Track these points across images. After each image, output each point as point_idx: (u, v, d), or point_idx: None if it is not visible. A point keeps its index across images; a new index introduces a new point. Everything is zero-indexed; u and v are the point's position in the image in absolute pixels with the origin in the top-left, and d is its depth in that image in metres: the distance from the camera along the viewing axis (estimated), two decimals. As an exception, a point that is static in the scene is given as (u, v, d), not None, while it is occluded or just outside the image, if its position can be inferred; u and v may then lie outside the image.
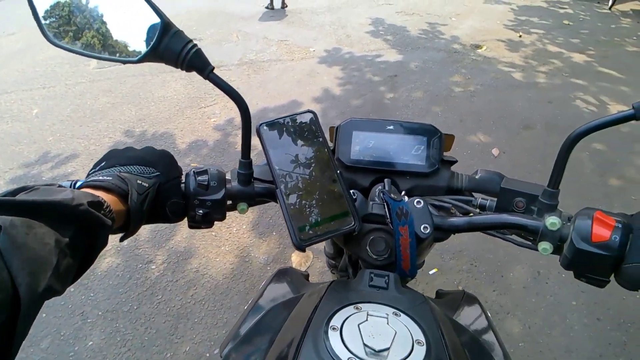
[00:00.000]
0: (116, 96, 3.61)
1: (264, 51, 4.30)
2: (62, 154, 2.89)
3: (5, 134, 3.20)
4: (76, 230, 0.38)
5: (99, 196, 0.42)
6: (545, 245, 0.49)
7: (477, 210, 0.58)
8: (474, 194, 0.65)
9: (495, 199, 0.58)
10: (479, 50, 4.30)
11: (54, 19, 0.50)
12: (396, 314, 0.46)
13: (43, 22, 0.49)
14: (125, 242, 0.54)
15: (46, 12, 0.49)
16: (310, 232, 0.50)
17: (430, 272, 1.95)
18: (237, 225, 2.22)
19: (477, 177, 0.65)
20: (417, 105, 3.26)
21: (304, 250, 0.52)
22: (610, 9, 5.92)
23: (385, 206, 0.54)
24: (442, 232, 0.55)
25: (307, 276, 0.83)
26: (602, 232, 0.45)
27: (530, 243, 0.53)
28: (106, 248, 2.16)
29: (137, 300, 1.87)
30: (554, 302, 1.82)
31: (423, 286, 1.90)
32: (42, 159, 2.85)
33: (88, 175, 0.50)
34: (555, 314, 1.77)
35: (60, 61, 4.48)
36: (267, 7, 5.93)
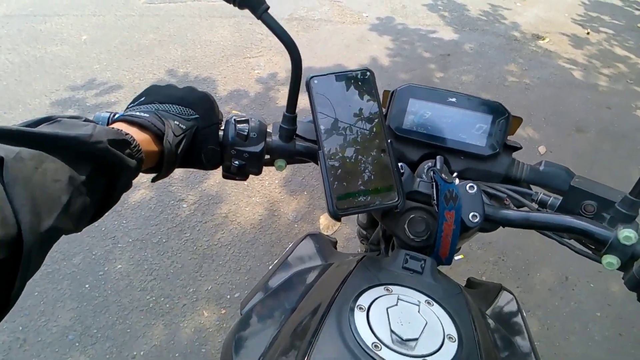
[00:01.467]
0: (163, 34, 3.59)
1: (316, 9, 4.16)
2: (106, 82, 2.93)
3: (55, 55, 3.25)
4: (94, 168, 0.35)
5: (126, 134, 0.39)
6: (611, 259, 0.44)
7: (536, 205, 0.53)
8: (532, 187, 0.60)
9: (559, 197, 0.52)
10: (541, 42, 4.05)
11: None
12: (429, 303, 0.43)
13: None
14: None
15: None
16: (349, 201, 0.46)
17: (456, 258, 1.92)
18: (269, 179, 2.23)
19: (540, 168, 0.58)
20: (466, 89, 3.12)
21: (339, 220, 0.50)
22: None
23: (434, 186, 0.50)
24: (491, 224, 0.51)
25: (334, 243, 0.81)
26: None
27: (591, 253, 0.48)
28: (141, 181, 2.22)
29: (166, 234, 1.92)
30: (577, 309, 1.78)
31: (445, 269, 1.89)
32: (87, 85, 2.89)
33: (127, 108, 0.48)
34: (576, 321, 1.73)
35: (112, -10, 4.45)
36: None
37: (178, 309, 1.64)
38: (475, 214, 0.48)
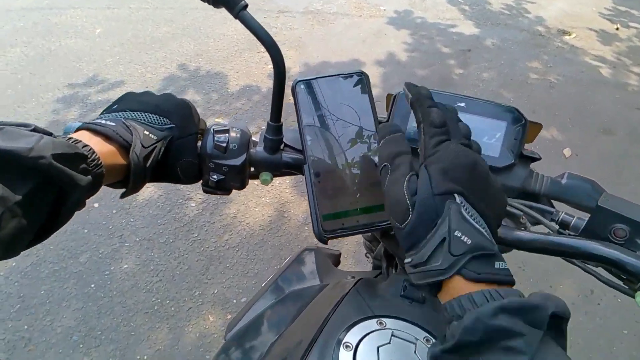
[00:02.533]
0: (177, 27, 3.54)
1: (332, 2, 4.05)
2: (118, 77, 2.90)
3: (68, 49, 3.24)
4: (35, 187, 0.31)
5: (84, 145, 0.35)
6: None
7: (556, 226, 0.46)
8: (553, 202, 0.52)
9: (583, 218, 0.45)
10: (566, 37, 3.86)
11: None
12: (428, 341, 0.37)
13: None
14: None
15: None
16: (337, 222, 0.41)
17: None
18: (280, 179, 2.16)
19: (562, 181, 0.51)
20: (487, 86, 2.99)
21: (325, 243, 0.44)
22: None
23: None
24: (502, 246, 0.44)
25: (338, 256, 0.74)
26: None
27: (622, 285, 0.41)
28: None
29: (173, 234, 1.88)
30: (602, 325, 1.67)
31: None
32: (98, 79, 2.87)
33: (97, 117, 0.44)
34: (601, 338, 1.63)
35: (127, -17, 4.43)
36: None
37: (183, 313, 1.60)
38: None
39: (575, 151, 2.48)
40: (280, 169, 0.50)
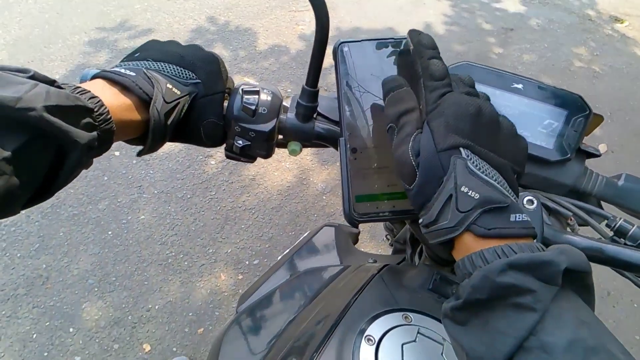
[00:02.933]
0: (208, -23, 3.41)
1: (370, -35, 3.84)
2: (144, 24, 2.83)
3: (97, -10, 3.16)
4: (25, 142, 0.28)
5: (92, 97, 0.31)
6: None
7: (610, 233, 0.42)
8: (604, 204, 0.48)
9: None
10: (618, 25, 3.60)
11: None
12: None
13: None
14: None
15: None
16: (370, 205, 0.38)
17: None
18: (301, 146, 2.12)
19: (619, 183, 0.47)
20: (526, 69, 2.83)
21: (356, 227, 0.40)
22: None
23: None
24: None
25: (357, 234, 0.71)
26: None
27: None
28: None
29: (191, 190, 1.88)
30: (614, 328, 1.64)
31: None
32: (125, 26, 2.81)
33: (116, 65, 0.40)
34: (613, 340, 1.60)
35: None
36: None
37: (196, 268, 1.62)
38: None
39: (611, 147, 2.36)
40: (311, 140, 0.46)
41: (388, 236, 0.93)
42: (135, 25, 2.81)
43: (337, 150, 0.42)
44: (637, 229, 0.40)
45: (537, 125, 0.46)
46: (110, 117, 0.33)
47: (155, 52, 0.40)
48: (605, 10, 3.79)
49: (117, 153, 1.96)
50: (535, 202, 0.39)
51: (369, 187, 0.38)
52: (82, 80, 0.37)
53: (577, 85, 2.80)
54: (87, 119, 0.30)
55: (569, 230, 0.43)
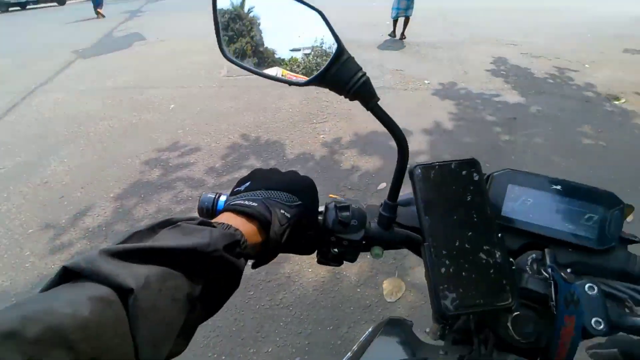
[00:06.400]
0: (239, 102, 3.97)
1: (378, 78, 4.38)
2: (188, 145, 3.26)
3: (147, 122, 3.72)
4: (209, 279, 0.34)
5: (236, 229, 0.39)
6: None
7: None
8: None
9: None
10: (616, 102, 3.85)
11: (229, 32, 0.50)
12: None
13: (222, 34, 0.49)
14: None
15: (223, 24, 0.49)
16: (457, 301, 0.42)
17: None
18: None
19: None
20: (536, 152, 3.00)
21: (447, 322, 0.46)
22: None
23: (553, 286, 0.45)
24: (616, 332, 0.44)
25: (411, 326, 0.72)
26: None
27: None
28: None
29: (231, 291, 1.97)
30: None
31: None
32: (171, 147, 3.24)
33: (232, 192, 0.49)
34: None
35: (197, 66, 5.10)
36: (389, 35, 6.20)
37: (238, 370, 1.63)
38: (599, 319, 0.42)
39: (638, 217, 2.37)
40: (393, 245, 0.54)
41: (440, 321, 0.90)
42: (180, 146, 3.24)
43: (415, 253, 0.50)
44: None
45: (579, 219, 0.51)
46: (247, 244, 0.39)
47: (265, 181, 0.48)
48: (601, 91, 4.08)
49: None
50: (596, 288, 0.43)
51: (452, 285, 0.43)
52: (203, 203, 0.49)
53: (588, 159, 2.92)
54: (238, 249, 0.37)
55: (627, 311, 0.45)
